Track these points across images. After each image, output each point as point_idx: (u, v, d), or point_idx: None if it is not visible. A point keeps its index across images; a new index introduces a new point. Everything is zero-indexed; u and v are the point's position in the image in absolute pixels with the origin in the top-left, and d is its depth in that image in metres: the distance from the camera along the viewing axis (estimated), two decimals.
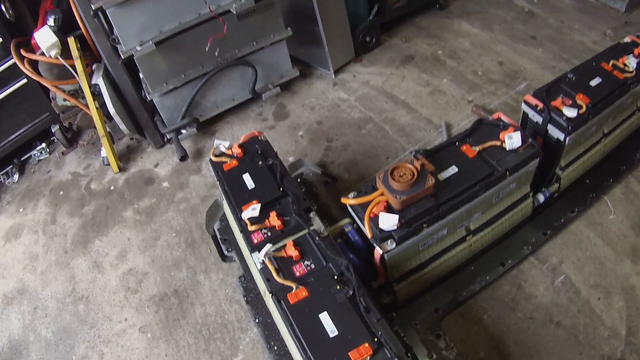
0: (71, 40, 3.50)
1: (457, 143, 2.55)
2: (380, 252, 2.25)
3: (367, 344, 1.88)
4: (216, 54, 3.53)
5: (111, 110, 3.51)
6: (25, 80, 3.73)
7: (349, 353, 1.87)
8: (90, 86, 3.56)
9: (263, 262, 2.23)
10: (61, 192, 3.81)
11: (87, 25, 3.37)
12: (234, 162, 2.71)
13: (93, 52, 3.70)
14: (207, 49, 3.44)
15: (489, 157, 2.47)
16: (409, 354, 1.94)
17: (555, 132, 2.65)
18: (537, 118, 2.69)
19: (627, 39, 3.02)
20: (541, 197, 2.82)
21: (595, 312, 2.52)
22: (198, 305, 2.91)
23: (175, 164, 3.73)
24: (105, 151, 3.77)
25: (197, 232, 3.25)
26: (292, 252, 2.23)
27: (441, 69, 4.08)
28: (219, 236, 3.06)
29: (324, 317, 2.00)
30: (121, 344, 2.83)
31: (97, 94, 3.60)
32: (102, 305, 3.03)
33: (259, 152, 2.72)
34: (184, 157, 3.65)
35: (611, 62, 2.83)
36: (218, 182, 2.69)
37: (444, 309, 2.57)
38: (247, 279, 2.85)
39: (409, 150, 3.43)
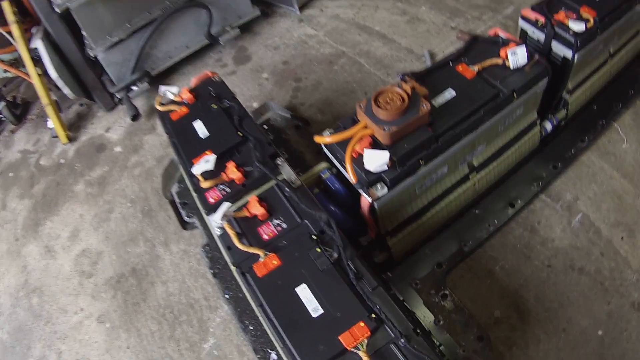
0: (5, 4, 2.84)
1: (451, 63, 1.96)
2: (369, 200, 1.68)
3: (362, 323, 1.36)
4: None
5: (52, 74, 2.85)
6: None
7: (340, 337, 1.34)
8: (29, 51, 2.89)
9: (222, 227, 1.64)
10: (10, 174, 3.16)
11: None
12: (184, 110, 2.09)
13: (30, 15, 3.03)
14: None
15: (491, 78, 1.92)
16: (418, 331, 1.36)
17: (561, 50, 2.09)
18: (539, 35, 2.12)
19: None
20: (548, 126, 2.26)
21: (620, 253, 2.04)
22: (159, 284, 2.34)
23: (128, 125, 3.09)
24: (52, 122, 3.10)
25: (154, 199, 2.65)
26: (257, 209, 1.65)
27: None
28: (177, 200, 2.46)
29: (303, 291, 1.47)
30: (79, 338, 2.29)
31: (37, 59, 2.94)
32: (56, 295, 2.46)
33: (213, 94, 2.08)
34: (135, 116, 2.99)
35: None
36: (167, 135, 2.06)
37: (448, 263, 2.05)
38: (212, 247, 2.29)
39: (389, 83, 2.80)
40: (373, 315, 1.37)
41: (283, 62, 3.19)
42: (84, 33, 2.92)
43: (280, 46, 3.31)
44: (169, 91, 2.19)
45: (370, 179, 1.66)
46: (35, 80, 2.97)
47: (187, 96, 2.14)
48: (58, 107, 3.15)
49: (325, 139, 1.73)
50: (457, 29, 3.09)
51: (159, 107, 2.17)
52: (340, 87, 2.92)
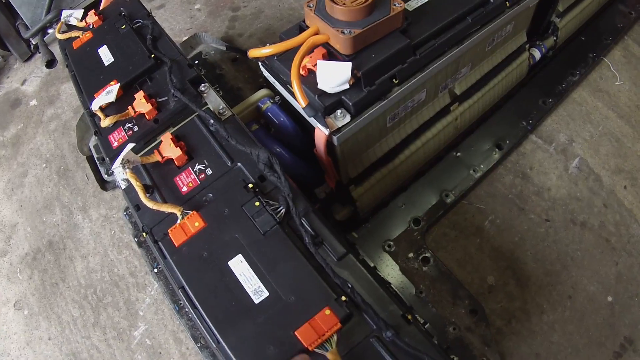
0: None
1: None
2: (326, 132, 1.09)
3: (328, 310, 0.83)
4: None
5: None
6: None
7: (297, 332, 0.81)
8: None
9: (126, 178, 1.05)
10: None
11: None
12: (88, 35, 1.44)
13: None
14: None
15: None
16: (409, 317, 0.82)
17: None
18: None
19: None
20: (537, 53, 1.74)
21: (625, 205, 1.57)
22: (79, 259, 1.72)
23: (45, 74, 2.35)
24: None
25: (71, 156, 1.98)
26: (172, 152, 1.06)
27: None
28: (95, 155, 1.80)
29: (239, 265, 0.93)
30: None
31: None
32: None
33: (124, 15, 1.45)
34: (50, 62, 2.25)
35: None
36: (67, 69, 1.42)
37: (427, 218, 1.50)
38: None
39: None
40: (343, 298, 0.83)
41: None
42: None
43: None
44: (73, 16, 1.55)
45: (326, 104, 1.07)
46: None
47: (93, 20, 1.49)
48: None
49: (261, 51, 1.11)
50: None
51: (58, 36, 1.52)
52: (285, 15, 2.25)
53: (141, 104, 1.14)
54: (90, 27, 1.49)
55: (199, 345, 1.37)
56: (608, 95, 1.85)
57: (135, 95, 1.16)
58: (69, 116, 2.13)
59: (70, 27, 1.54)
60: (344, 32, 1.05)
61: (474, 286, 1.37)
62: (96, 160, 1.79)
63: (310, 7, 1.11)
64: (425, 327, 1.22)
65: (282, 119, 1.24)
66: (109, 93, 1.17)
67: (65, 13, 1.56)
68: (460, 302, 1.31)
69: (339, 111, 1.09)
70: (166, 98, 1.16)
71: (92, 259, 1.70)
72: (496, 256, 1.44)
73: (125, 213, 1.64)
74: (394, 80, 1.13)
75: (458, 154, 1.62)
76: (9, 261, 1.82)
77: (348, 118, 1.09)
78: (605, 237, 1.50)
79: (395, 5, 1.10)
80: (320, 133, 1.10)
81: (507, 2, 1.32)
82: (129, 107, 1.16)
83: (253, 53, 1.12)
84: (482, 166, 1.59)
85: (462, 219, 1.52)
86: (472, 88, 1.48)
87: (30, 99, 2.26)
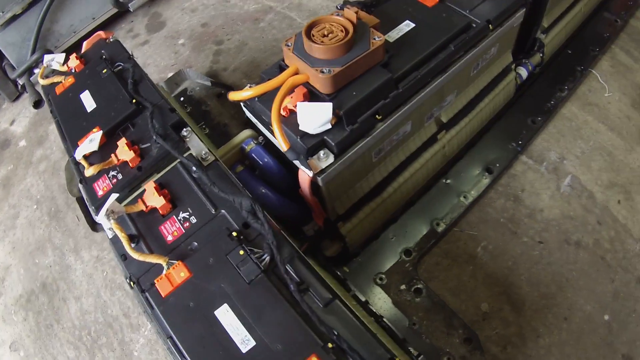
0: None
1: None
2: (310, 174, 1.11)
3: (315, 357, 0.85)
4: None
5: None
6: None
7: None
8: None
9: (111, 228, 1.07)
10: None
11: None
12: (70, 80, 1.46)
13: None
14: None
15: (457, 7, 1.35)
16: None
17: None
18: None
19: None
20: (523, 72, 1.76)
21: (619, 220, 1.58)
22: (72, 300, 1.73)
23: (33, 114, 2.38)
24: None
25: (61, 197, 2.00)
26: (156, 200, 1.08)
27: None
28: (85, 196, 1.81)
29: (225, 315, 0.94)
30: None
31: None
32: None
33: (106, 58, 1.47)
34: (38, 102, 2.29)
35: None
36: (52, 115, 1.45)
37: (419, 248, 1.50)
38: None
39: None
40: (330, 345, 0.84)
41: (202, 25, 2.53)
42: None
43: (198, 8, 2.64)
44: (55, 60, 1.58)
45: (308, 145, 1.09)
46: None
47: (74, 64, 1.52)
48: None
49: (241, 94, 1.12)
50: None
51: (41, 81, 1.54)
52: (269, 46, 2.29)
53: (124, 152, 1.16)
54: (72, 71, 1.52)
55: None
56: (598, 108, 1.87)
57: (118, 143, 1.18)
58: (57, 156, 2.15)
59: (54, 72, 1.57)
60: (323, 72, 1.07)
61: (468, 314, 1.37)
62: (86, 202, 1.80)
63: (288, 46, 1.13)
64: (420, 359, 1.22)
65: (266, 160, 1.25)
66: (92, 141, 1.19)
67: (47, 57, 1.59)
68: (455, 332, 1.31)
69: (322, 152, 1.11)
70: (149, 145, 1.19)
71: (86, 300, 1.70)
72: (490, 282, 1.44)
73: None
74: (377, 116, 1.15)
75: (448, 181, 1.63)
76: (3, 303, 1.83)
77: (332, 158, 1.11)
78: (601, 255, 1.50)
79: (375, 39, 1.12)
80: (304, 175, 1.12)
81: (490, 26, 1.35)
82: (112, 155, 1.18)
83: (233, 96, 1.14)
84: (472, 192, 1.60)
85: (454, 247, 1.52)
86: (458, 114, 1.50)
87: (19, 140, 2.30)
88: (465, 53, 1.29)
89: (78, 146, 1.25)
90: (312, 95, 1.13)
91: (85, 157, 1.22)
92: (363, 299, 1.35)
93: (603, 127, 1.81)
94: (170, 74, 2.10)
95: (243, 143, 1.30)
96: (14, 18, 2.27)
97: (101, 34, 1.59)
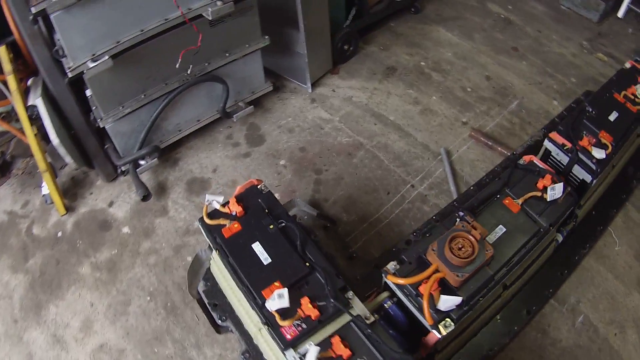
0: (2, 50, 2.62)
1: (498, 196, 2.19)
2: (439, 335, 1.84)
3: None
4: (189, 71, 2.82)
5: (54, 140, 2.67)
6: None
7: None
8: (26, 108, 2.70)
9: None
10: None
11: (22, 32, 2.51)
12: (236, 226, 2.11)
13: (27, 61, 2.83)
14: (177, 65, 2.71)
15: (531, 210, 2.16)
16: None
17: (581, 173, 2.41)
18: (562, 157, 2.44)
19: (628, 65, 2.87)
20: (560, 238, 2.57)
21: (614, 348, 2.43)
22: None
23: (134, 202, 3.00)
24: (48, 188, 2.94)
25: (177, 294, 2.61)
26: (342, 350, 1.75)
27: (428, 83, 3.66)
28: (206, 301, 2.44)
29: None
30: None
31: (35, 118, 2.72)
32: None
33: (265, 209, 2.15)
34: (146, 197, 2.90)
35: (622, 93, 2.67)
36: (218, 252, 2.09)
37: None
38: (252, 355, 2.29)
39: (410, 183, 3.01)
40: None
41: (300, 149, 3.22)
42: (92, 98, 2.78)
43: (295, 129, 3.35)
44: (216, 201, 2.20)
45: (439, 317, 1.82)
46: (32, 143, 2.78)
47: (236, 208, 2.16)
48: (54, 172, 2.97)
49: (398, 280, 1.87)
50: (468, 124, 3.34)
51: (207, 220, 2.16)
52: (362, 185, 3.01)
53: (309, 309, 1.83)
54: (235, 215, 2.16)
55: None
56: (609, 260, 2.72)
57: (301, 301, 1.85)
58: (168, 254, 2.76)
59: (216, 212, 2.19)
60: (458, 276, 1.82)
61: None
62: (207, 305, 2.42)
63: (434, 250, 1.88)
64: None
65: (399, 315, 1.98)
66: (282, 298, 1.85)
67: (208, 197, 2.20)
68: None
69: (446, 321, 1.84)
70: (325, 303, 1.87)
71: None
72: None
73: (242, 356, 2.28)
74: (480, 299, 1.91)
75: (499, 319, 2.42)
76: None
77: (453, 326, 1.85)
78: None
79: (488, 251, 1.88)
80: (434, 336, 1.86)
81: (550, 227, 2.15)
82: (299, 310, 1.84)
83: (392, 279, 1.87)
84: (515, 327, 2.40)
85: None
86: (517, 278, 2.29)
87: (121, 225, 2.90)
88: (533, 249, 2.09)
89: (263, 295, 1.88)
90: (443, 283, 1.88)
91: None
92: None
93: (610, 276, 2.67)
94: (277, 195, 2.77)
95: (383, 301, 2.02)
96: (131, 112, 2.87)
97: (253, 181, 2.25)
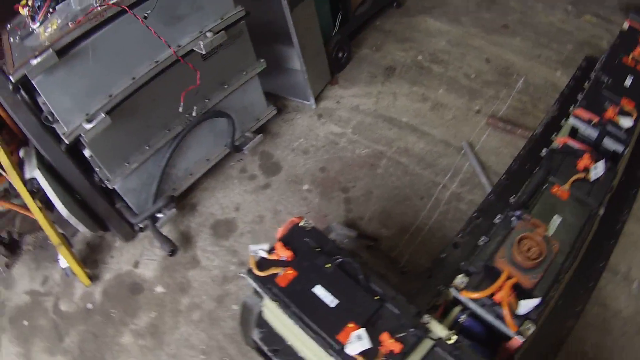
0: None
1: (545, 185, 2.20)
2: (522, 340, 1.83)
3: None
4: (194, 113, 2.74)
5: (63, 212, 2.60)
6: None
7: None
8: (25, 183, 2.60)
9: None
10: (25, 322, 2.84)
11: (2, 103, 2.37)
12: (290, 272, 2.04)
13: (12, 131, 2.72)
14: (180, 108, 2.63)
15: (579, 193, 2.17)
16: None
17: (611, 145, 2.42)
18: (590, 132, 2.44)
19: (626, 24, 2.91)
20: (601, 210, 2.58)
21: None
22: None
23: (161, 258, 2.91)
24: (66, 262, 2.82)
25: (232, 347, 2.54)
26: None
27: (431, 77, 3.62)
28: (265, 348, 2.38)
29: None
30: None
31: (36, 191, 2.64)
32: None
33: (316, 248, 2.09)
34: (174, 251, 2.80)
35: (631, 56, 2.70)
36: (278, 305, 2.01)
37: (553, 353, 2.32)
38: None
39: (441, 184, 2.97)
40: None
41: (320, 169, 3.16)
42: (94, 160, 2.64)
43: (309, 149, 3.29)
44: (261, 250, 2.13)
45: (520, 322, 1.81)
46: (40, 218, 2.68)
47: (284, 253, 2.08)
48: (68, 243, 2.85)
49: (474, 295, 1.85)
50: (481, 112, 3.32)
51: (258, 272, 2.08)
52: (393, 195, 2.98)
53: (390, 344, 1.80)
54: (284, 259, 2.10)
55: None
56: None
57: (380, 338, 1.81)
58: (211, 306, 2.67)
59: (264, 261, 2.12)
60: (530, 278, 1.82)
61: None
62: (267, 353, 2.36)
63: (502, 257, 1.87)
64: None
65: (476, 327, 1.96)
66: (361, 339, 1.81)
67: (252, 248, 2.12)
68: None
69: (527, 325, 1.83)
70: (404, 334, 1.84)
71: None
72: None
73: None
74: (553, 293, 1.92)
75: (560, 302, 2.41)
76: None
77: (533, 328, 1.84)
78: None
79: (554, 246, 1.88)
80: (517, 341, 1.85)
81: (599, 207, 2.17)
82: (380, 348, 1.79)
83: (466, 294, 1.85)
84: (577, 308, 2.39)
85: (571, 347, 2.33)
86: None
87: (153, 285, 2.80)
88: (589, 231, 2.11)
89: (339, 341, 1.81)
90: (517, 287, 1.87)
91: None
92: None
93: None
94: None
95: (456, 317, 2.00)
96: (137, 167, 2.77)
97: (295, 219, 2.18)
